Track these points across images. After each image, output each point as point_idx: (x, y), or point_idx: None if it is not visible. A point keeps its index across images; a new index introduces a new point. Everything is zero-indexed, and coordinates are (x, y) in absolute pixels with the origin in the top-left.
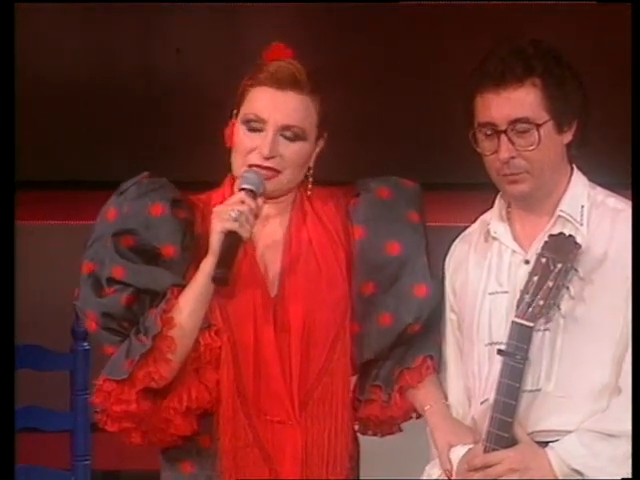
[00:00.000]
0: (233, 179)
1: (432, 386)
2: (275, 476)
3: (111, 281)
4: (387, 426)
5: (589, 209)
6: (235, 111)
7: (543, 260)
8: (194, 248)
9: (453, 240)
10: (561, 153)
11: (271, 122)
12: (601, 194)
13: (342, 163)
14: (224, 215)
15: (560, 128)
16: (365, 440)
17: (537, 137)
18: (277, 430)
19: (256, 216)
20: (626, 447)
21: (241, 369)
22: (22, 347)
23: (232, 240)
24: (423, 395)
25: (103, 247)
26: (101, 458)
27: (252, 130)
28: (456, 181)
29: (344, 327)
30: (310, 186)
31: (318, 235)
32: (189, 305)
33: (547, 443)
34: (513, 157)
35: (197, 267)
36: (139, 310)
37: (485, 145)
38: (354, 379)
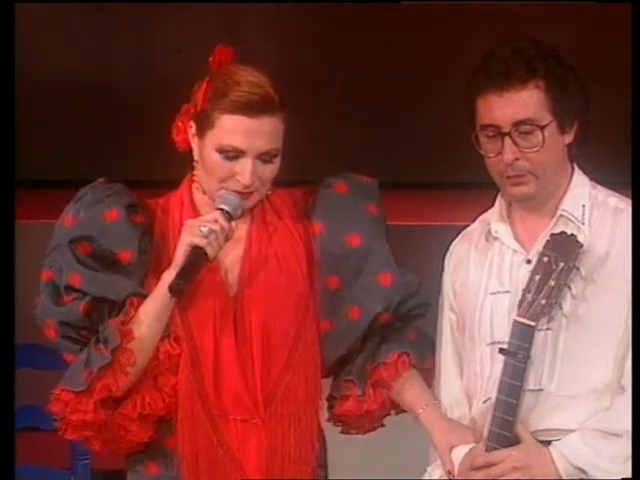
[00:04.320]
0: (191, 182)
1: (419, 387)
2: (241, 476)
3: (69, 289)
4: (366, 421)
5: (590, 208)
6: (192, 124)
7: (545, 259)
8: (151, 252)
9: (452, 239)
10: (563, 153)
11: (250, 152)
12: (602, 193)
13: (342, 163)
14: (195, 230)
15: (562, 129)
16: (366, 440)
17: (541, 138)
18: (241, 429)
19: (227, 238)
20: (629, 446)
21: (201, 372)
22: (22, 346)
23: (197, 255)
24: (413, 398)
25: (60, 254)
26: (101, 458)
27: (228, 159)
28: (455, 180)
29: (305, 325)
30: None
31: (278, 233)
32: (149, 316)
33: (550, 442)
34: (517, 159)
35: (155, 271)
36: (98, 318)
37: (488, 147)
38: (326, 379)
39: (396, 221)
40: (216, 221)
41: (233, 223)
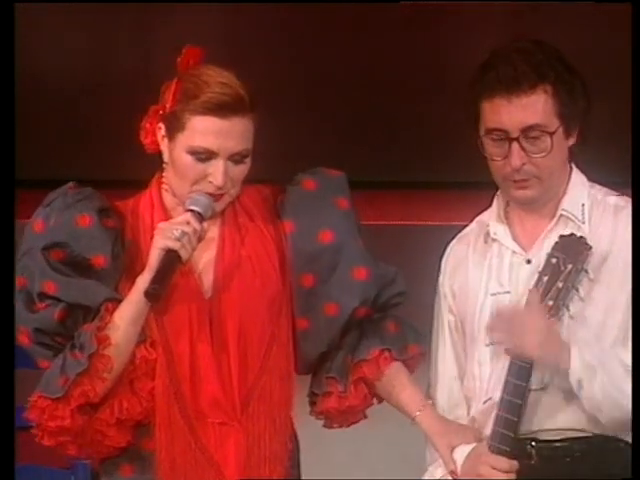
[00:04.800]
0: (160, 182)
1: (410, 387)
2: (220, 478)
3: (43, 296)
4: (349, 415)
5: (590, 207)
6: (162, 126)
7: (553, 260)
8: (124, 257)
9: (449, 241)
10: (566, 156)
11: (221, 153)
12: (601, 192)
13: (343, 162)
14: (167, 233)
15: (567, 132)
16: (365, 440)
17: (549, 144)
18: (219, 432)
19: (199, 239)
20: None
21: (178, 376)
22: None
23: (171, 259)
24: (407, 400)
25: (32, 261)
26: None
27: (200, 160)
28: (452, 180)
29: (279, 325)
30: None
31: (249, 234)
32: (124, 322)
33: (553, 443)
34: (524, 164)
35: (128, 276)
36: (72, 325)
37: (493, 150)
38: (305, 375)
39: (393, 221)
40: (188, 223)
41: (205, 224)
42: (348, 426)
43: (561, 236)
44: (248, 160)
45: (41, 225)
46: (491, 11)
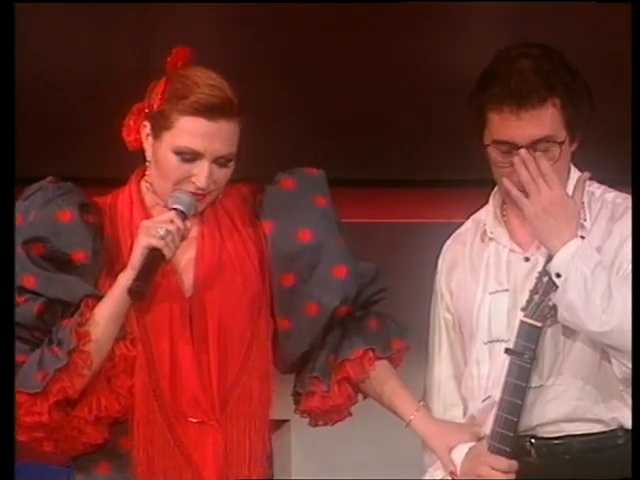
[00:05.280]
0: (139, 178)
1: (401, 390)
2: (198, 478)
3: (22, 290)
4: (334, 414)
5: (588, 204)
6: (147, 124)
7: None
8: (104, 252)
9: (445, 240)
10: (569, 160)
11: (207, 155)
12: (598, 189)
13: (344, 161)
14: (151, 231)
15: (572, 140)
16: (366, 439)
17: (558, 154)
18: (197, 431)
19: (182, 237)
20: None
21: (157, 374)
22: None
23: (155, 257)
24: (399, 403)
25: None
26: None
27: (185, 161)
28: (449, 178)
29: (258, 325)
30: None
31: (229, 233)
32: (105, 318)
33: (552, 440)
34: None
35: (108, 272)
36: (51, 320)
37: (499, 159)
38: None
39: (390, 219)
40: (172, 221)
41: (188, 222)
42: (333, 424)
43: None
44: (232, 164)
45: (20, 220)
46: (490, 11)
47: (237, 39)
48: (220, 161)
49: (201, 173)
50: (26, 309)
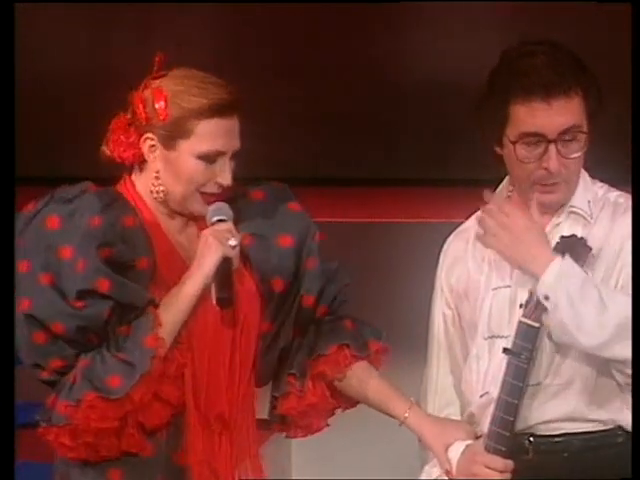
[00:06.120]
0: (129, 186)
1: (390, 390)
2: None
3: (89, 293)
4: (311, 418)
5: (593, 203)
6: (150, 135)
7: None
8: (154, 259)
9: (446, 236)
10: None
11: (228, 153)
12: (602, 189)
13: (345, 160)
14: (223, 241)
15: (591, 134)
16: (366, 439)
17: (584, 144)
18: (216, 442)
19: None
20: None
21: (198, 384)
22: None
23: (227, 265)
24: (390, 403)
25: (57, 257)
26: None
27: (209, 163)
28: (450, 177)
29: (259, 332)
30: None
31: None
32: (171, 325)
33: (550, 438)
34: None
35: (156, 279)
36: (114, 324)
37: (524, 154)
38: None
39: (390, 218)
40: (231, 231)
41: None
42: (312, 434)
43: (562, 237)
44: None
45: (57, 221)
46: (491, 12)
47: (237, 39)
48: (233, 156)
49: (226, 171)
50: (95, 313)
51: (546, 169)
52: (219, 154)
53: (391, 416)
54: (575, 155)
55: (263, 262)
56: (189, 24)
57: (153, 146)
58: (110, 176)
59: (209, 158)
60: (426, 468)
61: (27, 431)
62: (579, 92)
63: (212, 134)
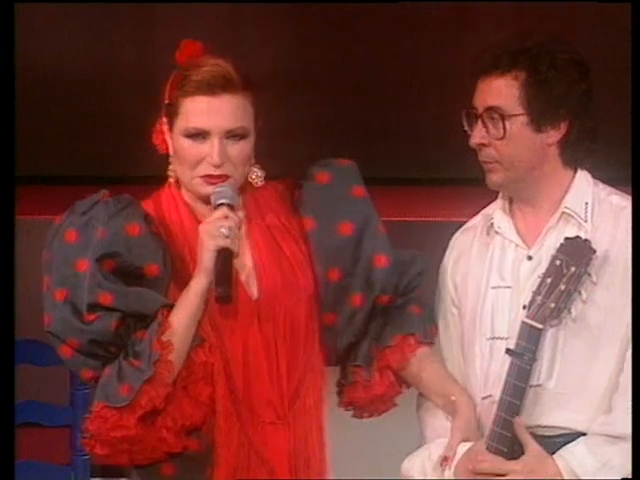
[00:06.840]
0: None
1: (445, 375)
2: (272, 476)
3: (97, 307)
4: (378, 404)
5: (592, 206)
6: (165, 119)
7: (557, 262)
8: (170, 261)
9: (453, 233)
10: (539, 151)
11: (214, 131)
12: (604, 191)
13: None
14: (214, 232)
15: (538, 126)
16: (367, 439)
17: (502, 128)
18: (270, 431)
19: (239, 229)
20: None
21: (233, 378)
22: (22, 342)
23: (225, 256)
24: (443, 384)
25: (74, 271)
26: None
27: (196, 141)
28: (452, 177)
29: (313, 318)
30: (259, 181)
31: (279, 231)
32: (182, 326)
33: (550, 438)
34: (483, 144)
35: (176, 280)
36: (126, 333)
37: (468, 125)
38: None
39: (395, 217)
40: (227, 217)
41: (240, 213)
42: (379, 415)
43: (566, 238)
44: (248, 140)
45: (75, 235)
46: (490, 12)
47: (237, 40)
48: (231, 136)
49: (213, 150)
50: (103, 325)
51: (471, 143)
52: (203, 132)
53: (438, 396)
54: (497, 137)
55: (322, 249)
56: (189, 24)
57: (167, 129)
58: (110, 176)
59: (194, 136)
60: (430, 446)
61: (27, 431)
62: (519, 77)
63: (195, 111)
